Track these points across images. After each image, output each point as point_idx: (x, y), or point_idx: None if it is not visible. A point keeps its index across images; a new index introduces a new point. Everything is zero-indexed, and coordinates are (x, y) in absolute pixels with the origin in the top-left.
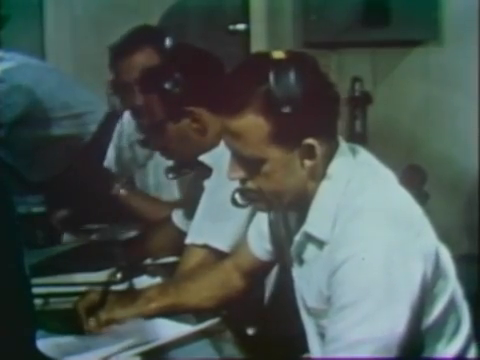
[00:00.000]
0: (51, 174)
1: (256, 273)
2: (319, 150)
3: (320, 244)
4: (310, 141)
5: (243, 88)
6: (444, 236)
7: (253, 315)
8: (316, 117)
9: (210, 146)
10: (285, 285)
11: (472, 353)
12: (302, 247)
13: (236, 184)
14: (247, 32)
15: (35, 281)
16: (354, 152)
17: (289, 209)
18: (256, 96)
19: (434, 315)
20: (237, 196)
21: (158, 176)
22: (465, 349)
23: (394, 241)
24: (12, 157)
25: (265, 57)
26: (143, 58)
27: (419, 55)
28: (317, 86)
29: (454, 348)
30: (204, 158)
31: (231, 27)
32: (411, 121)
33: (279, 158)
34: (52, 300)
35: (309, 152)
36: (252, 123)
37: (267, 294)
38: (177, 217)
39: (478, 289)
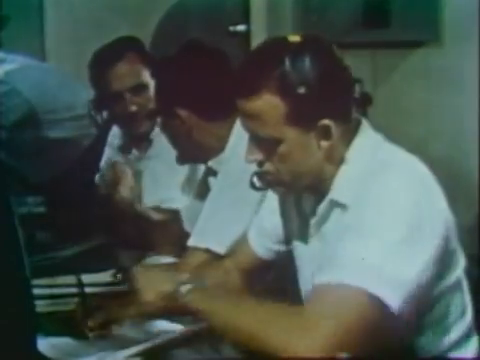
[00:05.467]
0: (52, 175)
1: (256, 272)
2: (335, 131)
3: (344, 209)
4: (326, 122)
5: (259, 69)
6: None
7: None
8: (331, 98)
9: (204, 147)
10: (286, 285)
11: (473, 344)
12: (325, 218)
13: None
14: (247, 33)
15: (35, 282)
16: (379, 138)
17: (306, 192)
18: (272, 77)
19: (442, 288)
20: (255, 179)
21: (152, 181)
22: (466, 337)
23: (423, 199)
24: (14, 158)
25: (281, 40)
26: (128, 64)
27: (420, 56)
28: (332, 68)
29: (457, 333)
30: (211, 164)
31: (231, 28)
32: (411, 122)
33: (295, 138)
34: (52, 301)
35: (325, 133)
36: (268, 103)
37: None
38: (184, 216)
39: (478, 290)
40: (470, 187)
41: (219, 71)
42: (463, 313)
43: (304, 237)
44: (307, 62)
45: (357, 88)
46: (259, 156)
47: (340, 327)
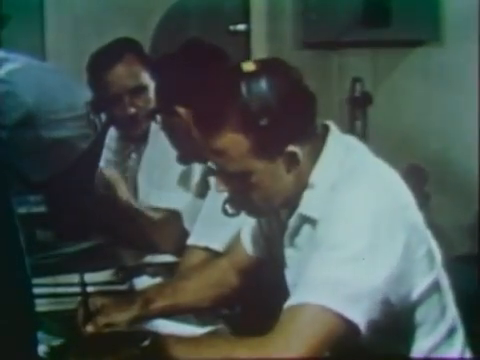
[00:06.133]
0: (53, 175)
1: (251, 271)
2: (302, 154)
3: (313, 223)
4: (291, 149)
5: (218, 108)
6: (444, 236)
7: (254, 315)
8: (294, 124)
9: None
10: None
11: (458, 342)
12: (296, 231)
13: None
14: (247, 32)
15: (36, 281)
16: (347, 146)
17: (280, 210)
18: (232, 114)
19: (417, 292)
20: (227, 207)
21: (147, 185)
22: (448, 337)
23: (385, 207)
24: (14, 157)
25: (235, 72)
26: (127, 66)
27: (420, 55)
28: (291, 92)
29: (438, 335)
30: (211, 164)
31: (231, 27)
32: (411, 121)
33: (264, 169)
34: (54, 300)
35: (292, 159)
36: (232, 141)
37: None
38: (185, 215)
39: (478, 289)
40: (470, 186)
41: (219, 69)
42: (443, 313)
43: (281, 246)
44: (265, 91)
45: (357, 87)
46: (229, 188)
47: (307, 347)
